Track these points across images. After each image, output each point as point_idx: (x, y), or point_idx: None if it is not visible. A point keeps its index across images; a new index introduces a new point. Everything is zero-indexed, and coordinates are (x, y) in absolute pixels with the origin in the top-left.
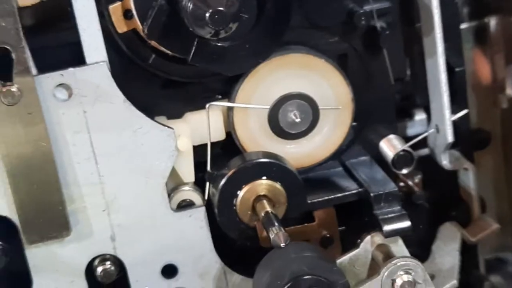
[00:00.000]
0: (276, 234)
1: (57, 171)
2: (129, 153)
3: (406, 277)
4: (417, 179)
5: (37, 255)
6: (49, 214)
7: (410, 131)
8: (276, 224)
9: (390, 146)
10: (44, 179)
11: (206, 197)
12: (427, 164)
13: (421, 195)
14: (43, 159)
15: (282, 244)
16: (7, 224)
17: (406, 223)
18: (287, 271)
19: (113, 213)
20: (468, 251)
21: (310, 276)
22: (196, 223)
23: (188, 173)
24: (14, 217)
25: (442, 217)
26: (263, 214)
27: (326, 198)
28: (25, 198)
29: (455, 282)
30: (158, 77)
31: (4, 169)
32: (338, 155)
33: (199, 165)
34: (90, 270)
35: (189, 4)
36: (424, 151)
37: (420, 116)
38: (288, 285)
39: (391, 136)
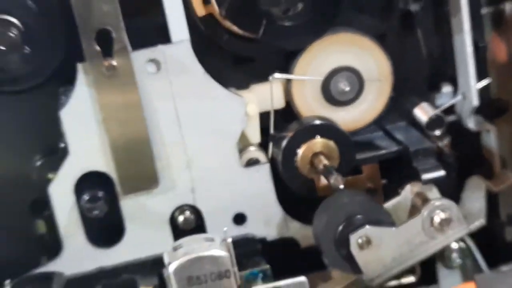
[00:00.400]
0: (335, 179)
1: (148, 133)
2: (207, 118)
3: (442, 215)
4: (446, 141)
5: (130, 205)
6: (140, 169)
7: (438, 102)
8: (334, 172)
9: (424, 111)
10: (137, 140)
11: (269, 156)
12: (454, 129)
13: (450, 154)
14: (136, 122)
15: (341, 186)
16: (106, 179)
17: (441, 172)
18: (342, 212)
19: (193, 169)
20: (490, 202)
21: (362, 216)
22: (262, 178)
23: (255, 135)
24: (112, 172)
25: (469, 172)
26: (321, 167)
27: (372, 155)
28: (121, 156)
29: (482, 220)
30: (230, 54)
31: (104, 131)
32: (379, 121)
33: (262, 130)
34: (172, 218)
35: None
36: (451, 118)
37: (447, 89)
38: (344, 224)
39: (424, 104)
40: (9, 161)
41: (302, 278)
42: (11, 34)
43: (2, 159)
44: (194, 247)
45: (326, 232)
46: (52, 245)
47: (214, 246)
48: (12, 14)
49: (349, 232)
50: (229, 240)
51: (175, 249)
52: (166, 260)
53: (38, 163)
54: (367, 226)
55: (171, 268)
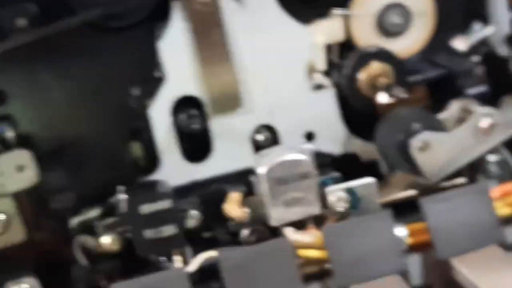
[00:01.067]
0: (397, 90)
1: (233, 61)
2: (281, 48)
3: (487, 120)
4: (481, 69)
5: (218, 125)
6: (227, 93)
7: (473, 36)
8: (394, 86)
9: (461, 42)
10: (224, 68)
11: (334, 80)
12: (487, 58)
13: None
14: (223, 53)
15: (403, 95)
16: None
17: (483, 88)
18: (402, 121)
19: (270, 94)
20: None
21: (420, 123)
22: (328, 100)
23: (321, 63)
24: (203, 96)
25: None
26: (382, 86)
27: (421, 78)
28: (211, 82)
29: None
30: None
31: (197, 60)
32: (424, 51)
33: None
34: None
35: None
36: (484, 49)
37: (479, 26)
38: (404, 131)
39: (461, 36)
40: (111, 91)
41: (371, 179)
42: None
43: (106, 89)
44: (279, 154)
45: (389, 139)
46: (146, 167)
47: (296, 152)
48: None
49: (410, 138)
50: (308, 146)
51: (262, 156)
52: (257, 164)
53: (136, 92)
54: (426, 132)
55: (262, 171)
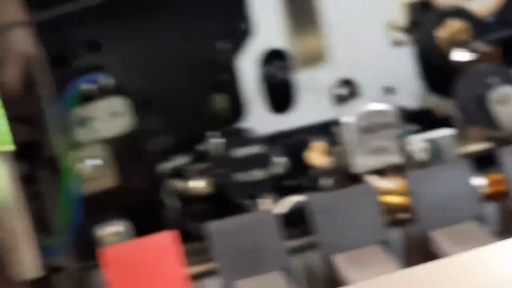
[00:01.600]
0: (477, 46)
1: (318, 18)
2: (365, 5)
3: None
4: None
5: (302, 78)
6: (311, 47)
7: None
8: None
9: None
10: (309, 23)
11: (414, 38)
12: None
13: None
14: (310, 7)
15: (482, 49)
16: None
17: None
18: (481, 75)
19: (352, 48)
20: None
21: (499, 79)
22: (407, 56)
23: (402, 20)
24: (289, 49)
25: None
26: (460, 42)
27: (497, 36)
28: (297, 36)
29: None
30: None
31: (283, 15)
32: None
33: None
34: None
35: None
36: None
37: None
38: (483, 85)
39: None
40: (198, 45)
41: (450, 130)
42: None
43: (194, 44)
44: (364, 104)
45: (468, 94)
46: (232, 117)
47: (379, 104)
48: None
49: (489, 91)
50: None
51: (346, 107)
52: (341, 115)
53: (224, 43)
54: (504, 86)
55: (349, 120)
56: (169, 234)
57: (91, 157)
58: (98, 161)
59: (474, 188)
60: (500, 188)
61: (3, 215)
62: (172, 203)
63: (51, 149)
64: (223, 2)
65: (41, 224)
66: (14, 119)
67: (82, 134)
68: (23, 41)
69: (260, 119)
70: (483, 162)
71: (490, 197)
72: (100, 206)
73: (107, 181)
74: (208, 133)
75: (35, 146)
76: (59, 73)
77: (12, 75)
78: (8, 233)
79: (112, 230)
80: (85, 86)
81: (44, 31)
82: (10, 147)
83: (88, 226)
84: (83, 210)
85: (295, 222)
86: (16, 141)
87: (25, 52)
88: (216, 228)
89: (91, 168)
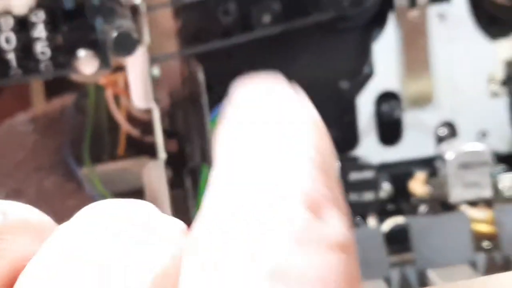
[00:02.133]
0: None
1: (431, 65)
2: (470, 57)
3: None
4: None
5: (409, 116)
6: (421, 91)
7: None
8: None
9: None
10: (423, 69)
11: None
12: None
13: None
14: (425, 56)
15: None
16: (397, 96)
17: None
18: None
19: (456, 96)
20: None
21: None
22: (501, 106)
23: (500, 74)
24: (402, 91)
25: None
26: None
27: None
28: (410, 81)
29: None
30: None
31: (402, 61)
32: None
33: None
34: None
35: None
36: None
37: None
38: None
39: None
40: (324, 81)
41: None
42: None
43: (324, 78)
44: (464, 145)
45: None
46: (343, 146)
47: (477, 145)
48: None
49: None
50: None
51: (447, 146)
52: (442, 151)
53: (346, 83)
54: None
55: (450, 157)
56: None
57: None
58: None
59: None
60: None
61: None
62: None
63: (195, 161)
64: (353, 48)
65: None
66: (166, 132)
67: None
68: (179, 68)
69: (372, 150)
70: None
71: None
72: None
73: None
74: None
75: (182, 156)
76: (208, 97)
77: (169, 93)
78: None
79: None
80: None
81: (200, 61)
82: (163, 155)
83: None
84: None
85: (396, 240)
86: (166, 150)
87: (180, 75)
88: None
89: None
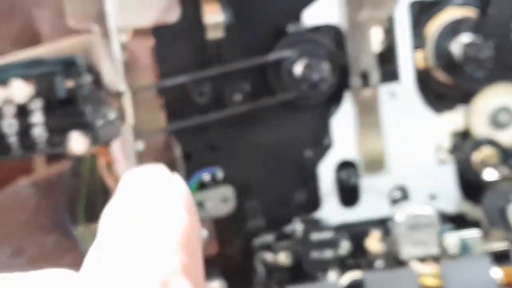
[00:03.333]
0: (501, 169)
1: (383, 137)
2: (418, 130)
3: None
4: None
5: (365, 182)
6: (375, 160)
7: None
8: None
9: None
10: (377, 140)
11: (454, 158)
12: None
13: None
14: (378, 129)
15: (505, 173)
16: (354, 164)
17: None
18: (503, 193)
19: (406, 163)
20: None
21: None
22: (449, 172)
23: (446, 144)
24: (358, 160)
25: None
26: (490, 165)
27: None
28: (365, 150)
29: None
30: (433, 92)
31: (357, 135)
32: None
33: None
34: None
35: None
36: None
37: None
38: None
39: None
40: (290, 152)
41: (477, 231)
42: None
43: (287, 150)
44: (412, 208)
45: (492, 205)
46: (306, 209)
47: (424, 208)
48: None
49: (508, 205)
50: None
51: (398, 208)
52: (394, 214)
53: (309, 153)
54: None
55: (400, 219)
56: None
57: (202, 229)
58: (205, 233)
59: (493, 278)
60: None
61: None
62: (260, 270)
63: None
64: (313, 123)
65: None
66: None
67: (199, 212)
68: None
69: (332, 212)
70: (501, 257)
71: (506, 286)
72: (205, 267)
73: (212, 248)
74: (294, 219)
75: None
76: (188, 165)
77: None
78: None
79: (213, 286)
80: (203, 177)
81: (180, 135)
82: None
83: None
84: None
85: None
86: None
87: (162, 148)
88: None
89: (200, 238)
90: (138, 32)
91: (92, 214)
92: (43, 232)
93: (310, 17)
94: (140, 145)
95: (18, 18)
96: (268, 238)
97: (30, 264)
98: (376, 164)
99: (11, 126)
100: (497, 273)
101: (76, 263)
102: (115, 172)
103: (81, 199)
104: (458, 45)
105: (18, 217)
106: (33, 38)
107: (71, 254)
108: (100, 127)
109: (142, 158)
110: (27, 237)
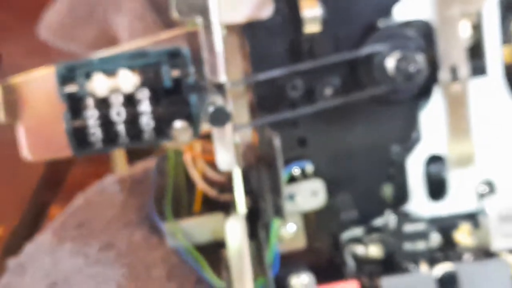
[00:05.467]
0: None
1: (471, 130)
2: (501, 123)
3: None
4: None
5: (453, 174)
6: (462, 153)
7: None
8: None
9: None
10: (465, 135)
11: None
12: None
13: None
14: (465, 123)
15: None
16: (442, 158)
17: None
18: None
19: (490, 157)
20: None
21: None
22: None
23: None
24: (447, 154)
25: None
26: None
27: None
28: (454, 144)
29: None
30: None
31: (447, 127)
32: None
33: None
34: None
35: None
36: None
37: None
38: None
39: None
40: (378, 146)
41: None
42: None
43: (376, 144)
44: (503, 201)
45: None
46: (395, 202)
47: None
48: None
49: None
50: None
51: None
52: (487, 206)
53: (397, 147)
54: None
55: (491, 208)
56: (354, 284)
57: (291, 223)
58: (295, 227)
59: None
60: None
61: (235, 262)
62: (350, 263)
63: (269, 216)
64: (403, 116)
65: (257, 269)
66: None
67: (288, 206)
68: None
69: (420, 205)
70: None
71: None
72: (291, 262)
73: (299, 243)
74: (383, 212)
75: (258, 212)
76: None
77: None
78: (237, 273)
79: (301, 280)
80: (294, 170)
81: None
82: (244, 210)
83: (282, 276)
84: (279, 263)
85: (446, 285)
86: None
87: (253, 141)
88: (390, 284)
89: (290, 232)
90: (232, 27)
91: (178, 210)
92: (131, 228)
93: (401, 13)
94: (237, 138)
95: (95, 23)
96: (357, 231)
97: (119, 259)
98: (465, 158)
99: (119, 114)
100: None
101: (163, 258)
102: (199, 167)
103: (167, 196)
104: None
105: (106, 213)
106: (110, 43)
107: (159, 249)
108: (210, 115)
109: (238, 150)
110: (116, 233)
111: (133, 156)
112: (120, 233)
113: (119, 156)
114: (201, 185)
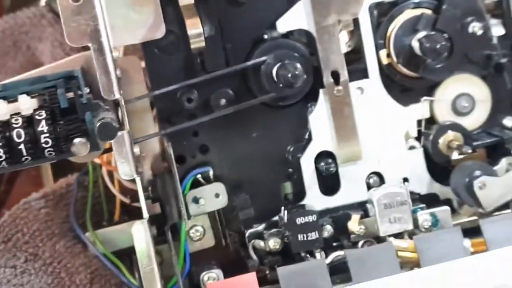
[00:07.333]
0: (466, 148)
1: (356, 131)
2: (388, 121)
3: None
4: None
5: (344, 170)
6: (351, 150)
7: None
8: (464, 146)
9: (509, 120)
10: (351, 132)
11: (422, 143)
12: None
13: None
14: (351, 122)
15: (470, 150)
16: (332, 154)
17: None
18: (468, 169)
19: (380, 151)
20: None
21: (480, 171)
22: (418, 157)
23: (413, 131)
24: (335, 150)
25: None
26: (455, 146)
27: (481, 142)
28: (341, 141)
29: None
30: (399, 86)
31: (333, 127)
32: (484, 126)
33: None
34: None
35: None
36: None
37: None
38: (469, 175)
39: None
40: (275, 147)
41: (447, 207)
42: None
43: (271, 146)
44: (386, 188)
45: (459, 182)
46: (293, 200)
47: (397, 187)
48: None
49: (474, 180)
50: (405, 185)
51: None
52: (371, 196)
53: (291, 148)
54: (484, 176)
55: (375, 197)
56: (252, 275)
57: (198, 224)
58: (201, 228)
59: (465, 247)
60: (480, 248)
61: (143, 263)
62: (253, 257)
63: (173, 219)
64: (294, 119)
65: (165, 270)
66: (149, 198)
67: (193, 209)
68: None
69: (315, 199)
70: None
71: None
72: (202, 259)
73: (207, 242)
74: (281, 207)
75: (163, 217)
76: (180, 167)
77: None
78: (146, 275)
79: (209, 275)
80: (196, 175)
81: (174, 139)
82: (147, 215)
83: (194, 273)
84: (190, 261)
85: (339, 270)
86: (152, 213)
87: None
88: (285, 272)
89: (197, 232)
90: (129, 49)
91: (99, 220)
92: (54, 239)
93: (284, 25)
94: (137, 149)
95: (20, 52)
96: (259, 228)
97: (44, 268)
98: (353, 154)
99: (19, 135)
100: (467, 242)
101: (86, 265)
102: (117, 178)
103: (88, 207)
104: (416, 39)
105: (31, 226)
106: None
107: (81, 257)
108: (97, 130)
109: (140, 161)
110: (40, 244)
111: (60, 172)
112: (44, 244)
113: (45, 173)
114: (118, 196)
